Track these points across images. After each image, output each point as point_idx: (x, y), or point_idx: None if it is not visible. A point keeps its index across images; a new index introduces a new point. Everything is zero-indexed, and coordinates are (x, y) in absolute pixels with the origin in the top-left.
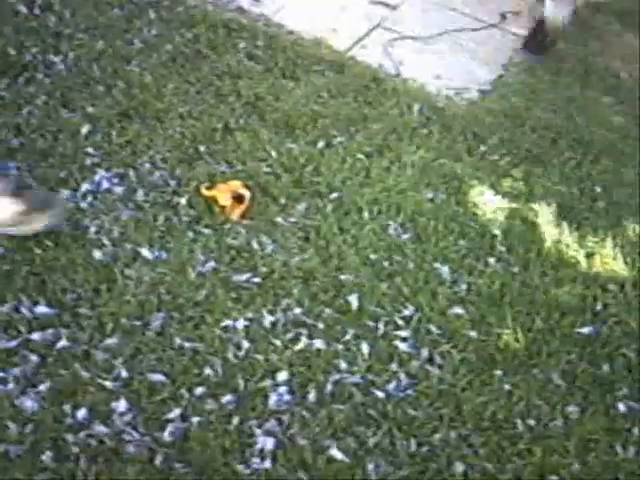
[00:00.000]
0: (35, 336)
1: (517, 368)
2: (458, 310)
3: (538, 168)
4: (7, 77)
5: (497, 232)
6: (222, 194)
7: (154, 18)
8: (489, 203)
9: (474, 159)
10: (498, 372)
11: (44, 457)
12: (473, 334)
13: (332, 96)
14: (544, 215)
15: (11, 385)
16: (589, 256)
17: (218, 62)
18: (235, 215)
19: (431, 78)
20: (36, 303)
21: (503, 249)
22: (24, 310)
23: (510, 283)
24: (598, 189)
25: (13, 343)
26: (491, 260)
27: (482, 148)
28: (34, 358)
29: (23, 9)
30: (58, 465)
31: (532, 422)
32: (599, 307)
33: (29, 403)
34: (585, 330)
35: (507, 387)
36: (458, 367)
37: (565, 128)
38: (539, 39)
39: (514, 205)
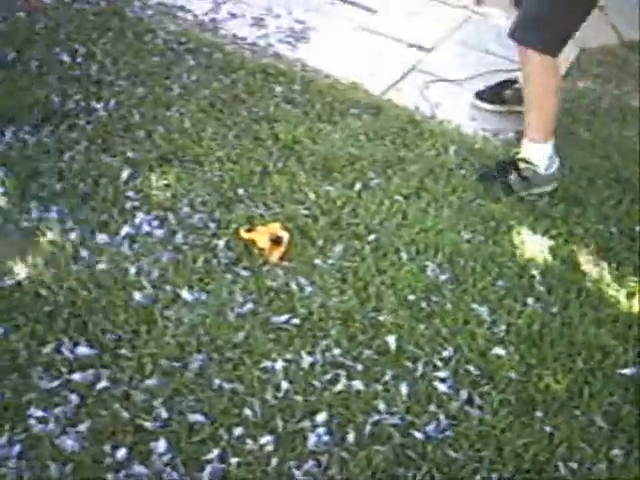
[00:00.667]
0: (76, 376)
1: (558, 410)
2: (497, 351)
3: (577, 208)
4: (50, 124)
5: (535, 272)
6: (261, 236)
7: (193, 64)
8: (527, 243)
9: (512, 200)
10: (539, 414)
11: None
12: (513, 375)
13: (369, 139)
14: (583, 255)
15: (52, 425)
16: (630, 296)
17: (255, 106)
18: (274, 257)
19: (467, 120)
20: (77, 344)
21: (542, 289)
22: (65, 351)
23: (550, 323)
24: (637, 228)
25: (54, 383)
26: (530, 300)
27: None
28: (74, 398)
29: (66, 58)
30: None
31: (574, 465)
32: None
33: (69, 443)
34: (627, 371)
35: (548, 429)
36: (498, 408)
37: (603, 168)
38: None
39: (553, 245)
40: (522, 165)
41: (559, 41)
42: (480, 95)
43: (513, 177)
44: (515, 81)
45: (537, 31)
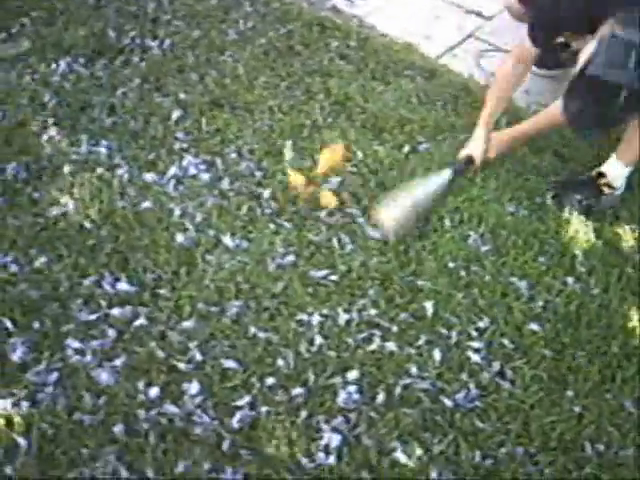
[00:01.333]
0: (114, 311)
1: (589, 391)
2: (533, 326)
3: (625, 192)
4: (105, 58)
5: (578, 252)
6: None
7: (250, 11)
8: (572, 223)
9: (559, 177)
10: (569, 393)
11: (115, 429)
12: (547, 352)
13: (421, 102)
14: (628, 239)
15: (88, 357)
16: None
17: (310, 59)
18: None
19: (521, 92)
20: (117, 280)
21: (583, 270)
22: (106, 285)
23: (588, 304)
24: None
25: (93, 316)
26: (570, 280)
27: (567, 167)
28: (112, 333)
29: None
30: (128, 439)
31: (601, 447)
32: None
33: (104, 376)
34: None
35: (577, 409)
36: (529, 384)
37: None
38: None
39: (597, 226)
40: (606, 190)
41: None
42: (537, 62)
43: (594, 201)
44: (568, 44)
45: None
